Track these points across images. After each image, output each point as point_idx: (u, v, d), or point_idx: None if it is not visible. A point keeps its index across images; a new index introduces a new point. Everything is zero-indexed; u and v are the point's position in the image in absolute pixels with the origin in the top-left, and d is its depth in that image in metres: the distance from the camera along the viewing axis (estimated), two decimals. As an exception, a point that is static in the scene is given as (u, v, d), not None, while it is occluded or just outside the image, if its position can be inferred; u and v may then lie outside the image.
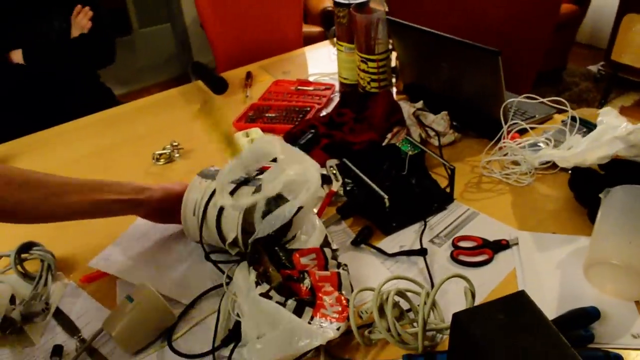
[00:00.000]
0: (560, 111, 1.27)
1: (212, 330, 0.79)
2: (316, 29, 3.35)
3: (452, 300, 0.81)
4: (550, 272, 0.85)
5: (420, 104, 1.24)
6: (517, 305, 0.59)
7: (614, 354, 0.68)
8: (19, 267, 0.92)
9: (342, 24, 1.33)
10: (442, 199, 1.03)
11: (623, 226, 0.81)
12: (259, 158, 0.87)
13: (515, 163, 1.11)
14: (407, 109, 1.21)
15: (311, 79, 1.67)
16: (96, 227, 1.07)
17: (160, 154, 1.29)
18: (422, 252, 0.90)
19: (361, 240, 0.94)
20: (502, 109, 1.09)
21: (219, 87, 1.60)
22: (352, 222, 1.00)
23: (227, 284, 0.84)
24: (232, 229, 0.84)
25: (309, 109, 1.44)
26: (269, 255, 0.81)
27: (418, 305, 0.71)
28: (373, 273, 0.88)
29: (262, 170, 0.88)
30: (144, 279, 0.82)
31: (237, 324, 0.77)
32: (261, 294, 0.75)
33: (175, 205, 0.92)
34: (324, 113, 1.41)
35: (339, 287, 0.79)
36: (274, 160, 0.84)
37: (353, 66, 1.38)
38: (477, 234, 0.93)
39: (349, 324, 0.73)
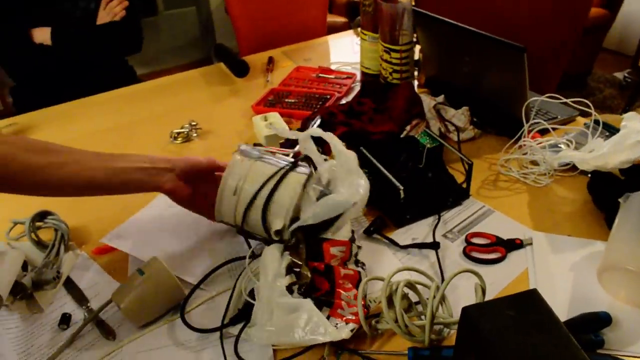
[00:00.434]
0: (583, 114, 1.25)
1: (222, 309, 0.79)
2: (340, 19, 3.33)
3: (462, 296, 0.80)
4: (563, 274, 0.83)
5: (441, 98, 1.22)
6: (529, 303, 0.58)
7: (624, 361, 0.67)
8: (33, 234, 0.93)
9: (368, 12, 1.32)
10: (457, 194, 1.02)
11: (642, 232, 0.80)
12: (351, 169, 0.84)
13: (534, 163, 1.09)
14: (428, 102, 1.20)
15: (333, 67, 1.66)
16: (112, 201, 1.08)
17: (178, 133, 1.29)
18: (435, 245, 0.90)
19: (374, 230, 0.93)
20: (524, 108, 1.08)
21: (241, 70, 1.60)
22: (366, 211, 0.99)
23: (251, 259, 0.82)
24: (280, 216, 0.80)
25: (329, 96, 1.43)
26: (307, 246, 0.79)
27: (427, 299, 0.70)
28: (384, 263, 0.88)
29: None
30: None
31: (247, 304, 0.77)
32: (287, 286, 0.74)
33: (201, 179, 0.89)
34: (343, 102, 1.40)
35: (357, 286, 0.78)
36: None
37: (376, 56, 1.37)
38: (491, 231, 0.92)
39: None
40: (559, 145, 1.09)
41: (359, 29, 1.40)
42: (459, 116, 1.18)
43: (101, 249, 0.94)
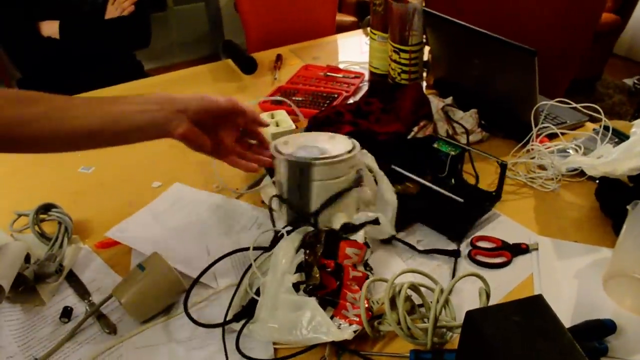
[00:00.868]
0: (592, 120, 1.24)
1: (225, 306, 0.78)
2: (350, 18, 3.32)
3: (467, 300, 0.79)
4: (569, 280, 0.83)
5: (449, 100, 1.22)
6: (533, 308, 0.57)
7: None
8: (36, 227, 0.93)
9: (378, 12, 1.32)
10: (492, 199, 0.99)
11: (650, 240, 0.79)
12: None
13: (542, 167, 1.08)
14: (436, 103, 1.19)
15: (341, 66, 1.65)
16: (116, 195, 1.08)
17: (184, 129, 1.28)
18: (456, 253, 0.88)
19: (392, 236, 0.91)
20: (533, 112, 1.07)
21: (249, 66, 1.60)
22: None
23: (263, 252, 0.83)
24: (315, 202, 0.83)
25: (336, 95, 1.43)
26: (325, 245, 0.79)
27: (431, 302, 0.70)
28: (392, 266, 0.87)
29: None
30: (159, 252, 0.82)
31: (252, 301, 0.77)
32: (294, 284, 0.74)
33: (219, 123, 0.79)
34: (351, 101, 1.39)
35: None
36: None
37: (385, 56, 1.36)
38: (497, 235, 0.92)
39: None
40: (568, 151, 1.08)
41: (369, 29, 1.40)
42: (467, 118, 1.18)
43: (104, 242, 0.93)
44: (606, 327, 0.73)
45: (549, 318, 0.56)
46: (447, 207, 0.94)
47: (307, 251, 0.77)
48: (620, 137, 1.10)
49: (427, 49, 1.40)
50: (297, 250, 0.77)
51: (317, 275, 0.75)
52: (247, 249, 0.84)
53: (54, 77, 1.77)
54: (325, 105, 1.37)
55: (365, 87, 1.50)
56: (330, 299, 0.74)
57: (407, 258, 0.89)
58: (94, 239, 0.95)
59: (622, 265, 0.78)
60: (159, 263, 0.79)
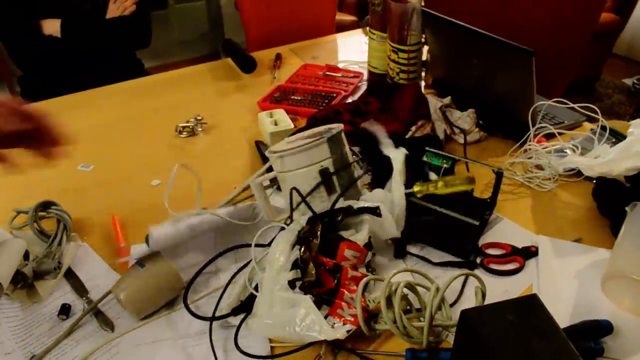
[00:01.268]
0: (590, 120, 1.24)
1: (227, 302, 0.79)
2: (350, 17, 3.32)
3: (465, 303, 0.80)
4: (567, 280, 0.83)
5: (448, 100, 1.22)
6: (528, 308, 0.58)
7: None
8: (35, 224, 0.93)
9: (377, 11, 1.32)
10: (488, 208, 0.96)
11: (648, 241, 0.79)
12: None
13: (539, 167, 1.09)
14: (434, 103, 1.19)
15: (340, 65, 1.65)
16: (115, 192, 1.09)
17: (184, 127, 1.29)
18: (472, 264, 0.87)
19: (401, 252, 0.89)
20: (530, 112, 1.07)
21: (248, 65, 1.60)
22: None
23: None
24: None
25: (335, 95, 1.43)
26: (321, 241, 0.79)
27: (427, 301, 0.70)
28: (391, 267, 0.87)
29: None
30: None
31: (251, 296, 0.77)
32: (289, 281, 0.74)
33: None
34: (350, 100, 1.40)
35: None
36: None
37: (383, 55, 1.36)
38: (499, 237, 0.92)
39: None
40: (565, 151, 1.08)
41: (368, 28, 1.40)
42: (465, 118, 1.18)
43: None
44: (603, 328, 0.73)
45: (544, 317, 0.56)
46: (449, 226, 0.92)
47: (302, 247, 0.77)
48: (618, 137, 1.10)
49: (425, 48, 1.40)
50: (293, 247, 0.77)
51: (313, 272, 0.75)
52: (249, 245, 0.84)
53: (54, 75, 1.77)
54: (324, 104, 1.38)
55: (364, 87, 1.50)
56: (327, 298, 0.75)
57: (413, 264, 0.88)
58: (94, 236, 0.95)
59: (621, 266, 0.79)
60: (158, 259, 0.79)
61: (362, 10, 3.33)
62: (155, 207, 1.01)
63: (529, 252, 0.89)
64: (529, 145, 1.09)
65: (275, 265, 0.75)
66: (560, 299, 0.80)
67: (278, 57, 1.72)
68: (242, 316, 0.77)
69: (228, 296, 0.79)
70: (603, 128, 1.04)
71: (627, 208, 0.86)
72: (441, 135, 1.15)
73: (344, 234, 0.81)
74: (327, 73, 1.59)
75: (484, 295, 0.71)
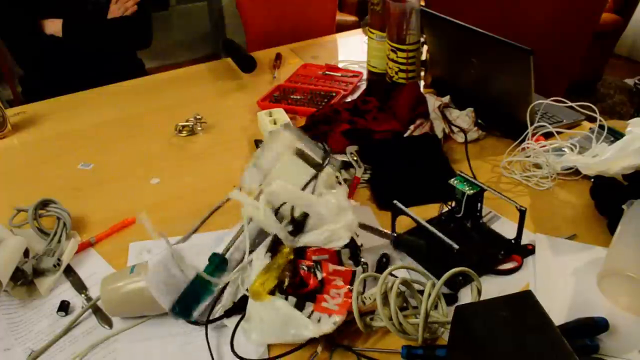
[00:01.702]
0: (589, 119, 1.24)
1: (225, 304, 0.79)
2: (350, 17, 3.33)
3: (462, 300, 0.80)
4: (564, 278, 0.83)
5: (447, 99, 1.22)
6: (523, 304, 0.58)
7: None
8: (35, 222, 0.94)
9: (376, 11, 1.32)
10: (508, 249, 0.88)
11: (644, 239, 0.79)
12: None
13: (537, 166, 1.09)
14: (433, 102, 1.20)
15: (340, 65, 1.66)
16: (115, 190, 1.09)
17: (184, 126, 1.29)
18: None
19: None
20: (529, 110, 1.07)
21: (248, 65, 1.60)
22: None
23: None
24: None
25: (334, 94, 1.43)
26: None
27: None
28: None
29: None
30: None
31: (243, 297, 0.78)
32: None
33: None
34: (349, 99, 1.40)
35: (351, 283, 0.77)
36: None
37: (382, 55, 1.37)
38: (498, 237, 0.92)
39: (348, 316, 0.72)
40: (563, 149, 1.09)
41: (367, 28, 1.40)
42: (464, 117, 1.18)
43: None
44: (598, 325, 0.73)
45: (538, 313, 0.57)
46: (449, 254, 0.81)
47: (271, 254, 0.77)
48: (616, 136, 1.10)
49: (425, 48, 1.41)
50: (265, 254, 0.78)
51: (287, 272, 0.76)
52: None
53: (56, 75, 1.78)
54: (323, 103, 1.38)
55: (363, 86, 1.50)
56: (305, 294, 0.75)
57: (409, 262, 0.88)
58: (93, 234, 0.96)
59: (617, 263, 0.79)
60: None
61: (362, 11, 3.33)
62: (155, 205, 1.03)
63: (527, 251, 0.89)
64: (527, 144, 1.10)
65: (254, 271, 0.76)
66: (557, 297, 0.80)
67: (278, 56, 1.72)
68: (237, 319, 0.77)
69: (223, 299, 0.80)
70: (601, 127, 1.04)
71: (624, 206, 0.87)
72: (440, 134, 1.16)
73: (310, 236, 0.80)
74: (327, 72, 1.59)
75: (479, 292, 0.71)
